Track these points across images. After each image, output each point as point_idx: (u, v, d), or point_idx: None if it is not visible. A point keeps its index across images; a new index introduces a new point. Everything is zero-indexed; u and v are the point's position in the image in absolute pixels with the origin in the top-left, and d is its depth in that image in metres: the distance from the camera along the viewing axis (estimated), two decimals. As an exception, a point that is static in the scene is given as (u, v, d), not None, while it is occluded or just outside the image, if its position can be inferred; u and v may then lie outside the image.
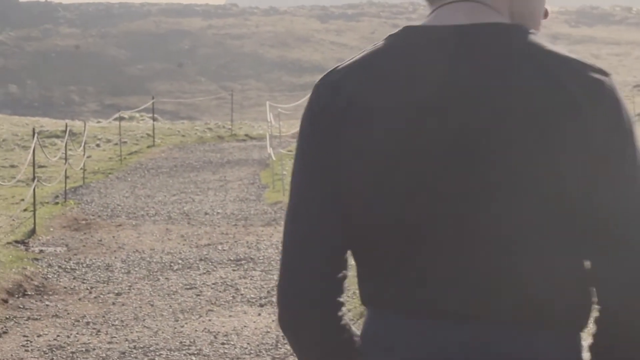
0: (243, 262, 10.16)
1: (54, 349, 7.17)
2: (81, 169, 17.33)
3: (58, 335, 7.52)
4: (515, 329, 1.81)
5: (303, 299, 1.93)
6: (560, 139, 1.77)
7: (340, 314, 1.95)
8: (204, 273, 9.66)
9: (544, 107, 1.78)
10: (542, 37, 1.86)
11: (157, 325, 7.79)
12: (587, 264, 1.83)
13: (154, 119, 29.28)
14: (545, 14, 2.04)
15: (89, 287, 9.10)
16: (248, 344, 7.24)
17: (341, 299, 1.95)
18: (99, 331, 7.63)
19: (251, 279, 9.34)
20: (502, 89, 1.81)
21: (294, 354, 2.08)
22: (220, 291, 8.89)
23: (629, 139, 1.80)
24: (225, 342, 7.30)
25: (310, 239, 1.92)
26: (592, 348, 1.85)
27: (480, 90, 1.82)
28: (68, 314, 8.19)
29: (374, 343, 1.93)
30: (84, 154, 18.14)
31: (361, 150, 1.86)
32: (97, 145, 24.63)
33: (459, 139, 1.82)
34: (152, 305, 8.41)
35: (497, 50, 1.84)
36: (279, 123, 19.65)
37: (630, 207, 1.80)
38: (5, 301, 8.53)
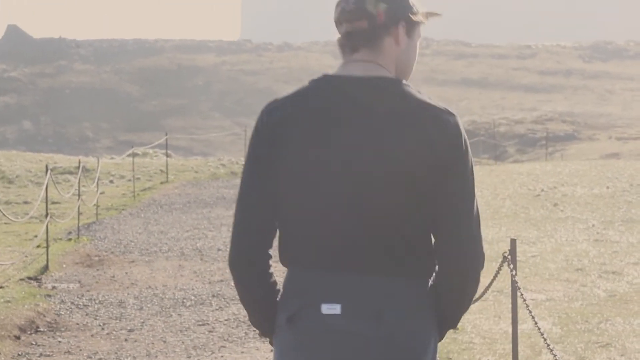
0: (256, 298, 10.09)
1: (65, 386, 7.13)
2: (94, 205, 17.34)
3: (70, 372, 7.48)
4: (383, 277, 2.88)
5: (244, 247, 2.96)
6: (417, 159, 2.84)
7: (269, 262, 2.98)
8: (217, 309, 9.63)
9: (409, 138, 2.85)
10: (412, 87, 2.94)
11: (169, 362, 7.75)
12: (432, 237, 2.94)
13: (168, 155, 29.32)
14: None
15: (101, 324, 9.08)
16: (261, 381, 7.19)
17: (270, 252, 2.98)
18: (111, 368, 7.60)
19: (264, 315, 9.26)
20: (382, 122, 2.86)
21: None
22: (232, 327, 8.86)
23: (465, 158, 2.90)
24: (237, 379, 7.26)
25: (250, 211, 2.96)
26: (431, 288, 2.97)
27: (366, 122, 2.87)
28: (80, 350, 8.17)
29: (291, 289, 2.94)
30: (97, 190, 18.17)
31: (283, 158, 2.90)
32: (111, 182, 24.64)
33: (348, 155, 2.86)
34: (164, 342, 8.38)
35: (381, 95, 2.90)
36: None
37: (460, 204, 2.90)
38: (18, 338, 8.51)
